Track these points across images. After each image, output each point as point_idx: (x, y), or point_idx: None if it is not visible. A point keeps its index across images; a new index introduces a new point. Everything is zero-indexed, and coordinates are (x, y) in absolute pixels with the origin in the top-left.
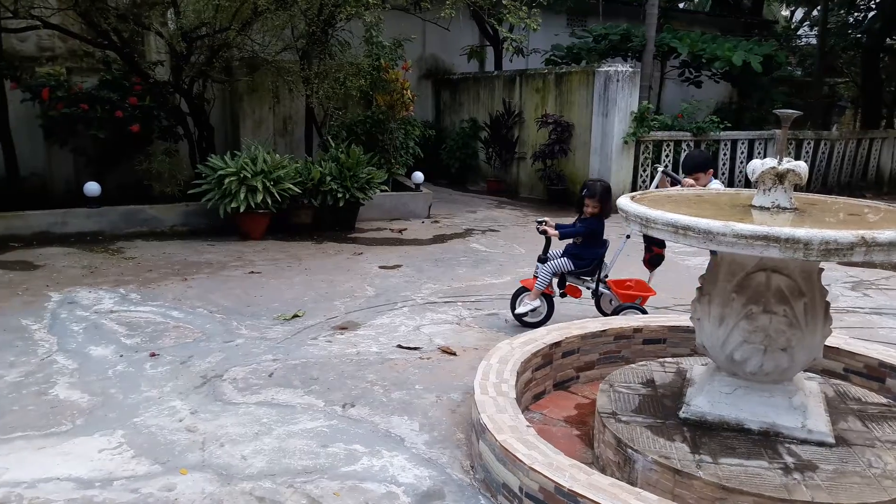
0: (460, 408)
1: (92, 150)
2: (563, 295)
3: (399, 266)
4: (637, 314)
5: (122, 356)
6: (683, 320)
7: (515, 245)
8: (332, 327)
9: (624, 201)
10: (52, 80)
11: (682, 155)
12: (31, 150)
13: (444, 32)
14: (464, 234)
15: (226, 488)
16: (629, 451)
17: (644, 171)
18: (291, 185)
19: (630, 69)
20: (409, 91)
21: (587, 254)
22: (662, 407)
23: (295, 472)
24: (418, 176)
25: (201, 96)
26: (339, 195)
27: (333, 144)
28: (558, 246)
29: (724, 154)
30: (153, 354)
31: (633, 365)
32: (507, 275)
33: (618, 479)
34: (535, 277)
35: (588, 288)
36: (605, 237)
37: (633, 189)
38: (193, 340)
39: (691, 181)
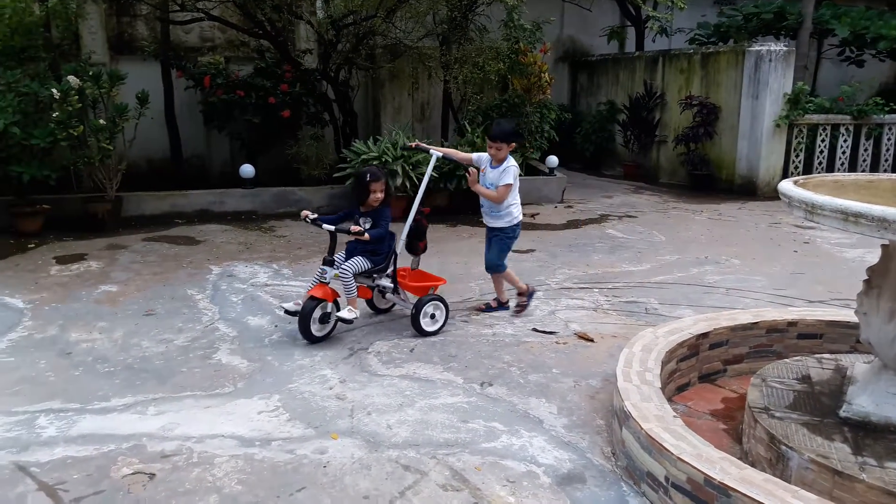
0: (599, 394)
1: (246, 134)
2: None
3: (532, 250)
4: (440, 305)
5: (276, 326)
6: (842, 315)
7: (655, 232)
8: (468, 308)
9: (787, 186)
10: (213, 69)
11: (840, 140)
12: (193, 135)
13: (583, 13)
14: (599, 220)
15: (373, 455)
16: (783, 447)
17: (797, 156)
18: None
19: (784, 48)
20: (546, 74)
21: (382, 248)
22: (820, 405)
23: (437, 444)
24: (552, 160)
25: (346, 83)
26: None
27: (469, 129)
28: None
29: (889, 139)
30: None
31: (786, 360)
32: (646, 262)
33: None
34: (323, 284)
35: (377, 286)
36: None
37: (785, 175)
38: None
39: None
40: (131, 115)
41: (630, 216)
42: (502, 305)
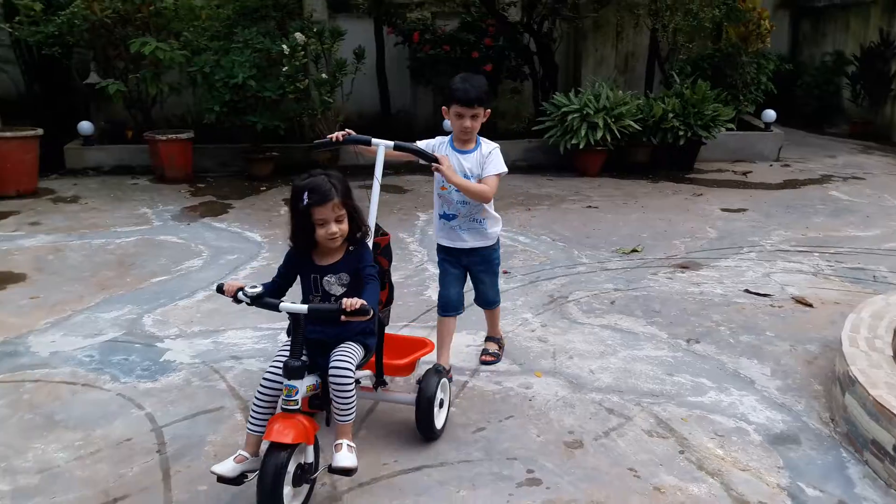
0: (818, 360)
1: None
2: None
3: (744, 210)
4: (445, 382)
5: None
6: None
7: (886, 195)
8: (672, 265)
9: None
10: (421, 24)
11: None
12: (400, 90)
13: None
14: (820, 180)
15: (576, 395)
16: None
17: None
18: (632, 122)
19: None
20: (766, 21)
21: (371, 322)
22: None
23: (641, 392)
24: (769, 114)
25: (548, 35)
26: (681, 133)
27: (678, 80)
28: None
29: None
30: (504, 272)
31: None
32: (875, 227)
33: None
34: (289, 413)
35: (356, 382)
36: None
37: None
38: (539, 263)
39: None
40: (349, 69)
41: (857, 178)
42: (501, 347)
